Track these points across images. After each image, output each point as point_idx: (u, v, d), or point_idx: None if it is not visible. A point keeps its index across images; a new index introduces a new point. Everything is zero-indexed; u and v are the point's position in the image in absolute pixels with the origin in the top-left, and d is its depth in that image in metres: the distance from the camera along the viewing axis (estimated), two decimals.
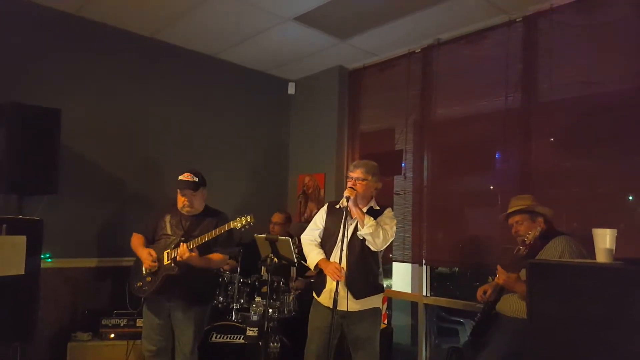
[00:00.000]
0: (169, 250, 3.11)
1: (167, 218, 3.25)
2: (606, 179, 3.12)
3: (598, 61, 3.23)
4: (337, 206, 3.05)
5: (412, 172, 4.27)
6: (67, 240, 3.74)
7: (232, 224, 3.02)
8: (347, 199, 2.85)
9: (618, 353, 1.65)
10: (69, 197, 3.65)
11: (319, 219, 3.18)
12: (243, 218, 3.00)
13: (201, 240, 3.03)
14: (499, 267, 2.84)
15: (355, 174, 2.98)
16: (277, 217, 4.43)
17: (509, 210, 2.96)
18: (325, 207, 3.23)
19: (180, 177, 3.19)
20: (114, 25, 4.10)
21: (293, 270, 4.06)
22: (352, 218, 2.92)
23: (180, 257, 2.97)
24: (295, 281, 4.06)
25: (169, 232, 3.21)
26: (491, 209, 3.71)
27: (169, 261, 3.07)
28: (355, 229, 2.94)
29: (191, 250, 2.99)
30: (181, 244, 3.02)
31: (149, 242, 3.26)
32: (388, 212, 3.05)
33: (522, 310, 2.55)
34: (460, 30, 3.95)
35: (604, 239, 1.86)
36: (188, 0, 3.63)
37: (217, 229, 3.03)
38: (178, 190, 3.20)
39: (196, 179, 3.19)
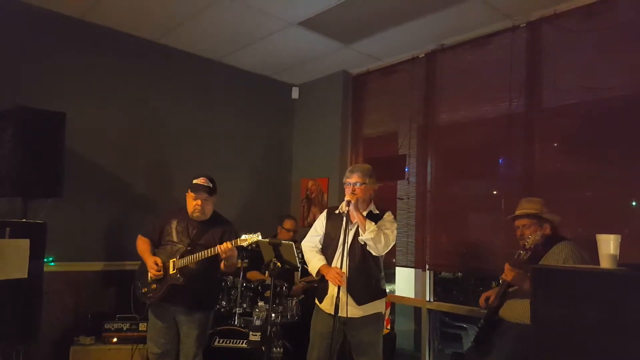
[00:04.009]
0: (174, 259, 3.10)
1: (174, 224, 3.24)
2: (610, 184, 3.11)
3: (602, 66, 3.22)
4: (337, 211, 3.03)
5: (416, 176, 4.27)
6: (70, 243, 3.75)
7: (239, 242, 3.00)
8: (348, 203, 2.83)
9: (622, 358, 1.63)
10: (73, 201, 3.65)
11: (319, 225, 3.17)
12: (249, 237, 2.97)
13: (209, 253, 3.02)
14: (507, 265, 2.81)
15: (353, 179, 2.96)
16: (289, 224, 4.37)
17: (519, 213, 2.92)
18: (324, 213, 3.21)
19: (195, 181, 3.19)
20: (118, 29, 4.13)
21: (297, 276, 4.05)
22: (352, 223, 2.91)
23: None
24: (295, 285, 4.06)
25: (174, 239, 3.20)
26: (495, 213, 3.69)
27: (175, 271, 3.07)
28: (356, 234, 2.92)
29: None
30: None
31: (155, 246, 3.25)
32: (388, 215, 3.03)
33: (526, 316, 2.52)
34: (464, 35, 3.96)
35: (608, 245, 1.85)
36: (192, 5, 3.65)
37: (225, 244, 3.01)
38: (191, 194, 3.19)
39: (211, 185, 3.20)
